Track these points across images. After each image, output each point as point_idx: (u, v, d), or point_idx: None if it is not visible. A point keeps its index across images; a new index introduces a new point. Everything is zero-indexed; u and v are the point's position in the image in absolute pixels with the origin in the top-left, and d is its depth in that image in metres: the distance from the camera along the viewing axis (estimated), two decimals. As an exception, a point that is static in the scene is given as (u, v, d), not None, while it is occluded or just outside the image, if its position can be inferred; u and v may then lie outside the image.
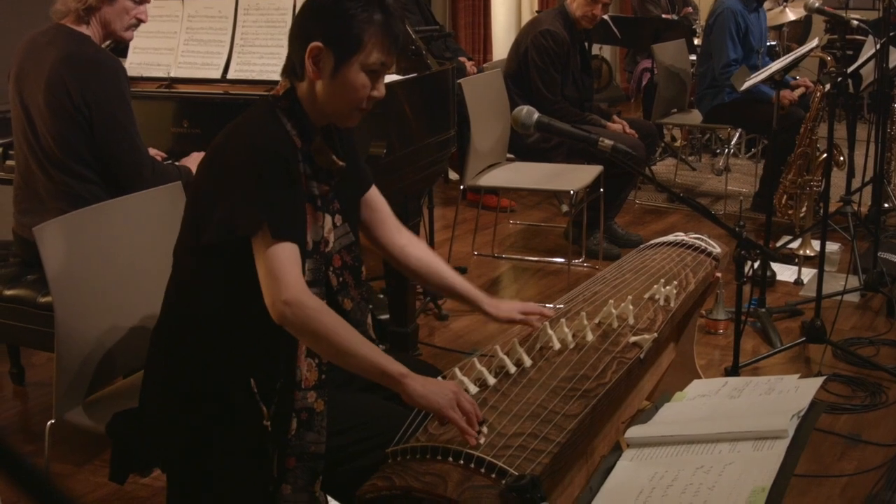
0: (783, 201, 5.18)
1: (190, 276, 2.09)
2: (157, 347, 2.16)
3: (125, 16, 3.10)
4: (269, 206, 1.90)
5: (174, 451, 2.08)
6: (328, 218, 2.08)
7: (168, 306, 2.15)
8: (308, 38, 2.00)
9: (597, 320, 2.27)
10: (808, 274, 4.74)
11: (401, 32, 2.06)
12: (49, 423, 2.43)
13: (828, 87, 4.58)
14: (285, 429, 1.96)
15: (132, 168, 3.07)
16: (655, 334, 2.22)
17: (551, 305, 2.36)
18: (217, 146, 2.04)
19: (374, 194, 2.32)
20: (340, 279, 2.14)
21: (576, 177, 4.81)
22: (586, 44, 5.53)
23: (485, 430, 1.77)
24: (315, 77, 2.01)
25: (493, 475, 1.62)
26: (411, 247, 2.35)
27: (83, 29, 3.06)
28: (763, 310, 4.19)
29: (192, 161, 3.35)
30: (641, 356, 2.14)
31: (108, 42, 3.27)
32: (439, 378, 1.95)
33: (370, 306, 2.24)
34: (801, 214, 5.19)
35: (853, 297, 4.44)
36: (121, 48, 3.77)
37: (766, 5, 6.33)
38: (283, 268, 1.88)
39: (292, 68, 2.06)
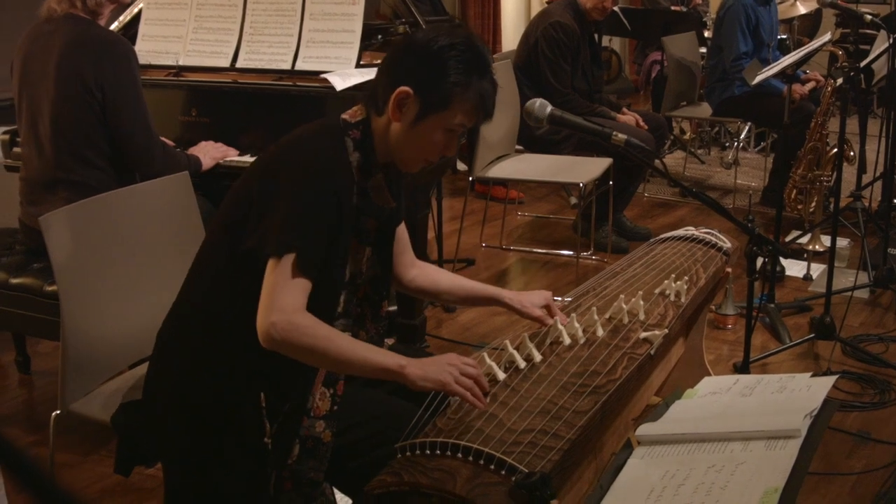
0: (793, 196, 5.15)
1: (218, 277, 2.02)
2: (168, 342, 2.10)
3: None
4: (304, 237, 1.85)
5: (174, 448, 2.05)
6: (367, 249, 2.06)
7: (186, 303, 2.09)
8: (400, 80, 1.95)
9: (607, 315, 2.26)
10: (817, 269, 4.72)
11: (492, 102, 2.00)
12: (54, 413, 2.41)
13: (839, 81, 4.55)
14: (287, 453, 1.93)
15: (144, 149, 3.07)
16: (666, 330, 2.20)
17: (559, 299, 2.34)
18: (279, 153, 1.99)
19: (400, 228, 2.29)
20: (359, 310, 2.13)
21: (585, 169, 4.79)
22: (596, 35, 5.50)
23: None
24: (395, 119, 1.97)
25: (503, 472, 1.61)
26: (420, 279, 2.33)
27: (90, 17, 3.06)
28: (772, 305, 4.17)
29: (201, 150, 3.34)
30: (652, 352, 2.13)
31: (113, 25, 3.27)
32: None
33: (385, 340, 2.22)
34: (811, 209, 5.16)
35: (863, 294, 4.41)
36: (129, 35, 3.76)
37: (777, -2, 6.28)
38: (285, 292, 1.82)
39: (375, 100, 2.01)
